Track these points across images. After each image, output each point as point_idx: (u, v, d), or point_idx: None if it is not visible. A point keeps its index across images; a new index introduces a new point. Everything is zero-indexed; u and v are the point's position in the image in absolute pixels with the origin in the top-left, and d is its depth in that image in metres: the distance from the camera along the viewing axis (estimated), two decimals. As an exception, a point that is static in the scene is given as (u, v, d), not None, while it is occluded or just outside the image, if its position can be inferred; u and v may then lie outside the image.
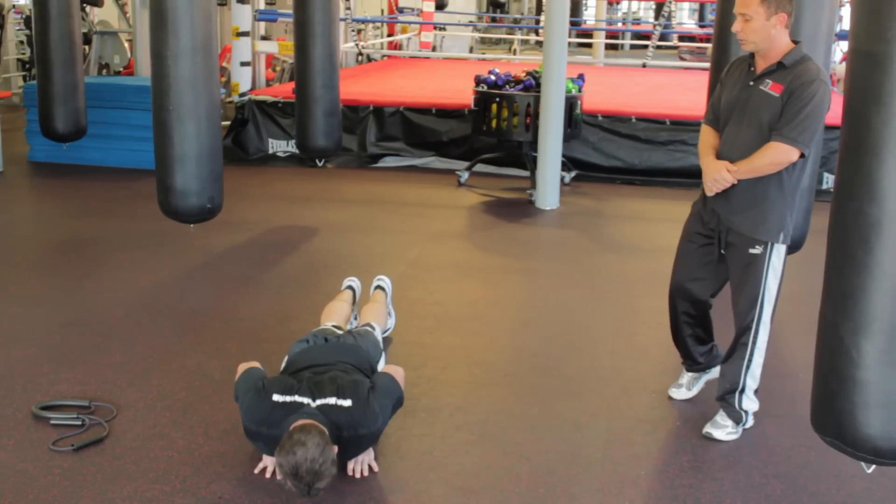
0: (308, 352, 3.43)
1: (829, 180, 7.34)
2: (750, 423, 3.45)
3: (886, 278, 2.32)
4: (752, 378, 3.36)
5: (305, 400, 2.97)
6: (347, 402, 2.98)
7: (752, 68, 3.22)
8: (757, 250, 3.23)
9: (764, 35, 3.11)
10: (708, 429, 3.42)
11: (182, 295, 4.86)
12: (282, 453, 2.76)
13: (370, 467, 3.09)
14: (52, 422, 3.35)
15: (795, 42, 3.17)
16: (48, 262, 5.50)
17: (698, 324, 3.56)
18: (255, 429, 3.01)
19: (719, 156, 3.26)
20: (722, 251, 3.37)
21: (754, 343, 3.32)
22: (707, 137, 3.35)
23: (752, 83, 3.20)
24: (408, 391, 3.67)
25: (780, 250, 3.25)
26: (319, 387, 3.03)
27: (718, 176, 3.20)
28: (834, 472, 3.17)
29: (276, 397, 2.99)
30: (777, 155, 3.10)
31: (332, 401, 2.98)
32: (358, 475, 3.05)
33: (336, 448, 2.84)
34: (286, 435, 2.82)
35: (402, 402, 3.17)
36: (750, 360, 3.33)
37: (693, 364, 3.66)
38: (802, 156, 3.12)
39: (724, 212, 3.29)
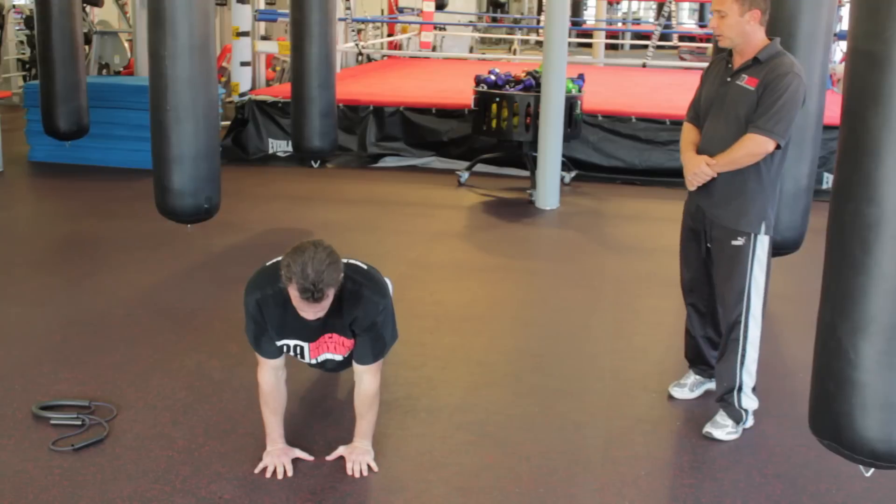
0: None
1: (828, 180, 7.33)
2: (750, 422, 3.45)
3: (885, 279, 2.32)
4: (749, 374, 3.37)
5: None
6: (364, 265, 3.06)
7: (730, 65, 3.31)
8: (739, 242, 3.29)
9: (738, 31, 3.20)
10: (708, 428, 3.42)
11: (182, 295, 4.86)
12: (290, 254, 2.74)
13: (370, 467, 3.09)
14: (52, 422, 3.35)
15: (770, 39, 3.27)
16: (48, 262, 5.50)
17: (709, 323, 3.59)
18: (260, 294, 2.97)
19: (700, 151, 3.34)
20: (707, 245, 3.43)
21: (745, 338, 3.34)
22: (688, 135, 3.44)
23: (729, 79, 3.29)
24: (408, 391, 3.68)
25: (763, 241, 3.30)
26: None
27: (698, 170, 3.29)
28: (834, 472, 3.17)
29: (272, 261, 3.00)
30: (754, 146, 3.17)
31: (345, 259, 2.96)
32: (357, 475, 3.05)
33: (342, 272, 2.82)
34: (296, 245, 2.79)
35: (384, 353, 3.13)
36: (743, 357, 3.35)
37: (706, 368, 3.67)
38: (778, 146, 3.19)
39: (707, 206, 3.36)
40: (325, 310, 2.85)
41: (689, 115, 3.48)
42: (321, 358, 3.20)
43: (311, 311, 2.83)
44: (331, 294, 2.80)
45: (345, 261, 2.99)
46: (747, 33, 3.20)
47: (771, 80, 3.15)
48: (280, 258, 2.95)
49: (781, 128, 3.15)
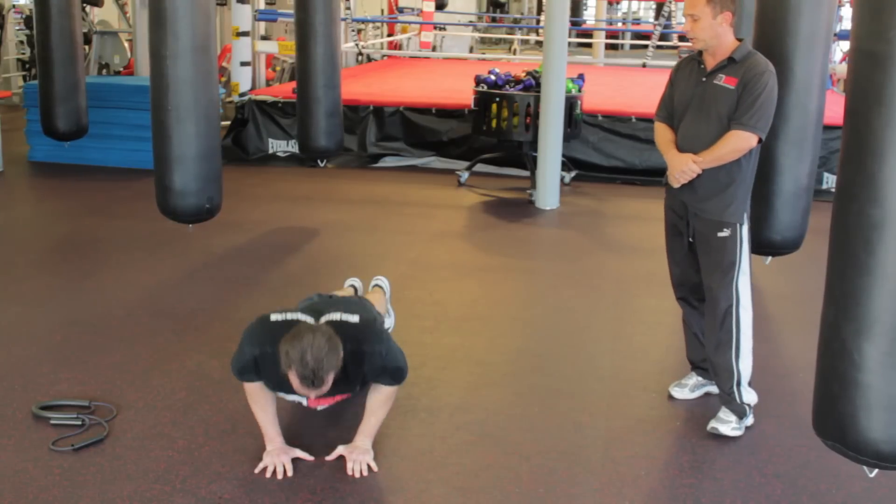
0: (312, 304, 3.41)
1: (829, 180, 7.34)
2: (750, 420, 3.46)
3: (888, 280, 2.31)
4: (745, 365, 3.40)
5: (309, 318, 2.97)
6: (355, 318, 3.00)
7: (702, 66, 3.40)
8: (725, 233, 3.36)
9: (712, 33, 3.31)
10: (713, 424, 3.43)
11: (182, 295, 4.86)
12: (288, 340, 2.74)
13: (369, 467, 3.09)
14: (52, 422, 3.35)
15: (739, 40, 3.36)
16: (48, 262, 5.50)
17: (703, 317, 3.59)
18: (259, 351, 2.97)
19: (680, 149, 3.42)
20: (690, 239, 3.49)
21: (738, 328, 3.38)
22: (665, 133, 3.50)
23: (704, 79, 3.37)
24: (408, 391, 3.68)
25: (745, 230, 3.39)
26: (324, 309, 3.04)
27: (686, 168, 3.35)
28: (834, 471, 3.17)
29: (276, 317, 2.99)
30: (738, 142, 3.27)
31: (336, 316, 2.96)
32: (357, 475, 3.05)
33: (342, 354, 2.82)
34: (294, 329, 2.80)
35: (405, 375, 3.12)
36: (738, 348, 3.38)
37: (706, 370, 3.67)
38: (760, 141, 3.29)
39: (691, 201, 3.43)
40: (327, 389, 2.86)
41: (661, 114, 3.55)
42: (319, 408, 3.23)
43: (312, 393, 2.86)
44: (330, 378, 2.81)
45: (336, 318, 2.96)
46: (720, 35, 3.30)
47: (749, 79, 3.25)
48: (284, 316, 2.96)
49: (763, 123, 3.26)
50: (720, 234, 3.36)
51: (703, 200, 3.38)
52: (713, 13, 3.26)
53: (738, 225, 3.35)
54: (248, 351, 3.02)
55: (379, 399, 3.14)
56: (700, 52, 3.39)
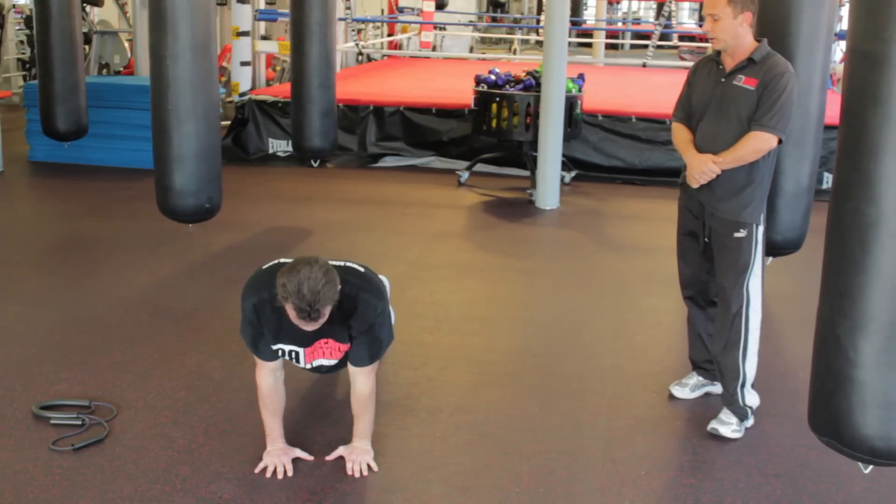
0: None
1: (828, 180, 7.34)
2: (751, 421, 3.46)
3: (884, 278, 2.33)
4: (751, 366, 3.41)
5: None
6: (360, 268, 3.06)
7: (721, 66, 3.39)
8: (741, 234, 3.36)
9: (732, 33, 3.29)
10: (713, 425, 3.43)
11: (182, 295, 4.86)
12: (285, 273, 2.73)
13: (369, 467, 3.09)
14: (52, 422, 3.35)
15: (758, 40, 3.35)
16: (48, 262, 5.50)
17: (710, 318, 3.62)
18: (257, 298, 2.97)
19: (699, 149, 3.40)
20: (706, 239, 3.48)
21: (747, 329, 3.38)
22: (682, 134, 3.49)
23: (723, 80, 3.36)
24: (408, 391, 3.68)
25: (761, 232, 3.39)
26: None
27: (706, 168, 3.34)
28: (834, 471, 3.17)
29: (270, 264, 3.01)
30: (759, 143, 3.27)
31: (341, 262, 2.99)
32: (357, 475, 3.05)
33: (339, 287, 2.82)
34: (291, 263, 2.80)
35: (381, 354, 3.12)
36: (745, 349, 3.39)
37: (709, 370, 3.68)
38: (780, 142, 3.30)
39: (708, 201, 3.42)
40: (322, 322, 2.86)
41: (679, 115, 3.53)
42: (315, 363, 3.20)
43: (309, 326, 2.85)
44: (327, 311, 2.80)
45: (341, 264, 2.99)
46: (740, 35, 3.29)
47: (769, 80, 3.24)
48: (278, 261, 2.96)
49: (783, 124, 3.25)
50: (736, 235, 3.36)
51: (720, 200, 3.38)
52: (734, 13, 3.24)
53: (754, 226, 3.35)
54: (247, 305, 3.01)
55: (360, 403, 3.12)
56: (718, 53, 3.38)
